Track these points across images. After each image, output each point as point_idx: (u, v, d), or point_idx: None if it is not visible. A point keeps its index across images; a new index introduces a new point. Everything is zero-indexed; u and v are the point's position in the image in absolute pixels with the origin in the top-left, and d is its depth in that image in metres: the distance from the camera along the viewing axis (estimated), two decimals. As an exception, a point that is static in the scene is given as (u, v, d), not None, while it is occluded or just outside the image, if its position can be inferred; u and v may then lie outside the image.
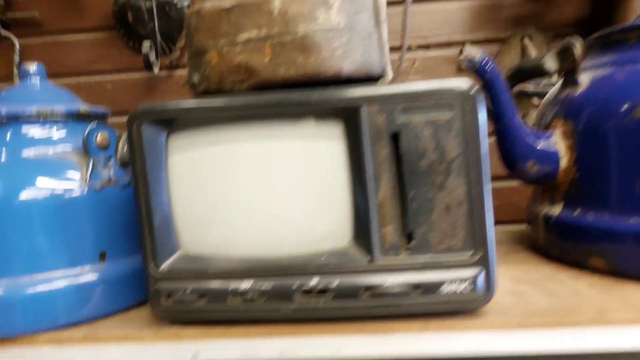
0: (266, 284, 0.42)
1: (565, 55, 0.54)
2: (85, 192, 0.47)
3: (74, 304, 0.45)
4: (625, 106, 0.49)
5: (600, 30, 0.56)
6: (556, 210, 0.56)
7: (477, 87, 0.40)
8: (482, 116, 0.40)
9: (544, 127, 0.58)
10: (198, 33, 0.43)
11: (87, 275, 0.46)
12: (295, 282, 0.42)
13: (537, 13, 0.89)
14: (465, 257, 0.41)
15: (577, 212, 0.54)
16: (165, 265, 0.44)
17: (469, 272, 0.41)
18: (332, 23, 0.42)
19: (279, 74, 0.41)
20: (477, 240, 0.41)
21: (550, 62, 0.56)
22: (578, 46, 0.53)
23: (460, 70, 0.55)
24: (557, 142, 0.55)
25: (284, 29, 0.41)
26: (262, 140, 0.43)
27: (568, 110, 0.54)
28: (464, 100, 0.40)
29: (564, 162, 0.55)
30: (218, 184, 0.43)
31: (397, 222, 0.41)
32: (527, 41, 0.84)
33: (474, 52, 0.51)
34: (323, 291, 0.42)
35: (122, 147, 0.51)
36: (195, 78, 0.44)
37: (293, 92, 0.41)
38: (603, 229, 0.51)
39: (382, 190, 0.41)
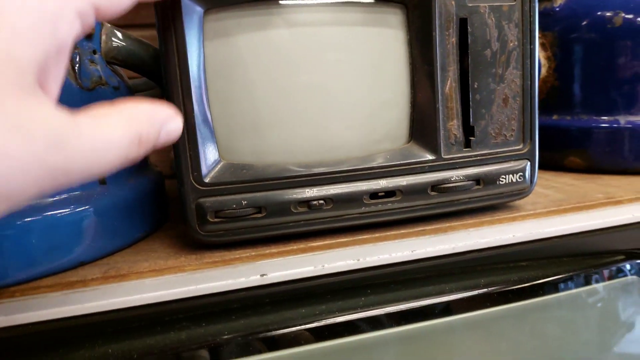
0: (333, 189, 0.39)
1: (543, -32, 0.58)
2: (76, 93, 0.37)
3: (73, 238, 0.36)
4: (606, 15, 0.55)
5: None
6: (533, 117, 0.61)
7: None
8: (537, 6, 0.41)
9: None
10: None
11: (86, 202, 0.37)
12: (362, 186, 0.39)
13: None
14: (518, 148, 0.42)
15: (554, 117, 0.59)
16: (211, 176, 0.37)
17: (520, 163, 0.43)
18: None
19: None
20: (526, 132, 0.42)
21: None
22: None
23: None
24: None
25: None
26: (318, 22, 0.38)
27: (546, 23, 0.59)
28: (525, -12, 0.40)
29: (542, 71, 0.59)
30: (267, 77, 0.38)
31: (461, 116, 0.41)
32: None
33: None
34: (391, 193, 0.40)
35: (108, 39, 0.41)
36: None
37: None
38: (580, 128, 0.57)
39: (449, 83, 0.40)
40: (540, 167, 0.61)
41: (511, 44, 0.41)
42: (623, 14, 0.54)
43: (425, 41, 0.39)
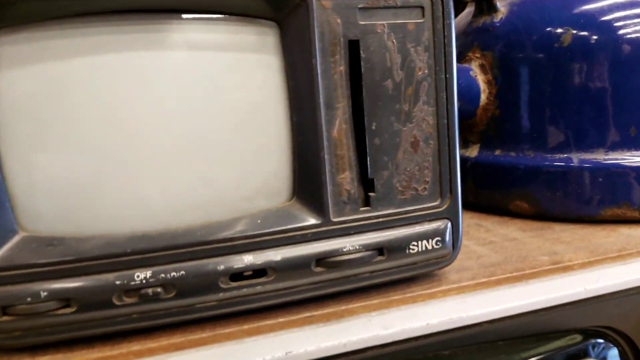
0: (175, 271, 0.29)
1: (480, -22, 0.49)
2: None
3: None
4: (553, 32, 0.46)
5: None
6: (473, 152, 0.52)
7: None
8: (453, 24, 0.32)
9: (457, 60, 0.53)
10: None
11: None
12: (220, 264, 0.29)
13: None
14: (434, 205, 0.33)
15: (497, 152, 0.51)
16: (-4, 258, 0.27)
17: (437, 224, 0.34)
18: None
19: None
20: (445, 184, 0.33)
21: (463, -15, 0.51)
22: (496, -34, 0.48)
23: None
24: (476, 77, 0.50)
25: None
26: (154, 45, 0.29)
27: (486, 40, 0.50)
28: (436, 1, 0.31)
29: (482, 98, 0.50)
30: (87, 116, 0.28)
31: (356, 166, 0.31)
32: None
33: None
34: (260, 272, 0.30)
35: None
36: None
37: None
38: (527, 167, 0.48)
39: (338, 124, 0.31)
40: (483, 210, 0.53)
41: (420, 73, 0.32)
42: (572, 31, 0.46)
43: (305, 70, 0.30)
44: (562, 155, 0.47)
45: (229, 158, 0.31)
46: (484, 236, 0.45)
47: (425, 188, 0.33)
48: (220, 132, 0.30)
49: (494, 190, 0.51)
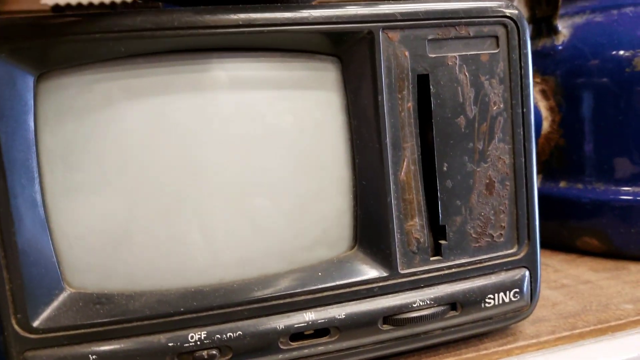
0: (231, 331, 0.26)
1: (539, 0, 0.47)
2: None
3: None
4: (623, 56, 0.43)
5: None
6: (535, 184, 0.49)
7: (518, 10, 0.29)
8: (530, 54, 0.30)
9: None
10: None
11: None
12: (279, 322, 0.27)
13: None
14: (511, 253, 0.30)
15: (562, 184, 0.47)
16: (43, 317, 0.25)
17: (514, 274, 0.31)
18: None
19: None
20: (522, 229, 0.31)
21: (521, 8, 0.48)
22: (557, -14, 0.46)
23: None
24: (536, 103, 0.47)
25: None
26: (207, 86, 0.27)
27: (547, 65, 0.47)
28: (512, 28, 0.29)
29: (545, 126, 0.47)
30: (138, 163, 0.26)
31: (425, 211, 0.29)
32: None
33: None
34: (323, 331, 0.28)
35: None
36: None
37: (259, 6, 0.26)
38: (596, 201, 0.45)
39: (405, 165, 0.28)
40: (547, 246, 0.49)
41: (495, 108, 0.29)
42: (646, 55, 0.42)
43: (369, 108, 0.28)
44: (635, 189, 0.44)
45: (286, 203, 0.28)
46: (554, 277, 0.42)
47: (501, 234, 0.30)
48: (277, 175, 0.28)
49: (559, 225, 0.48)
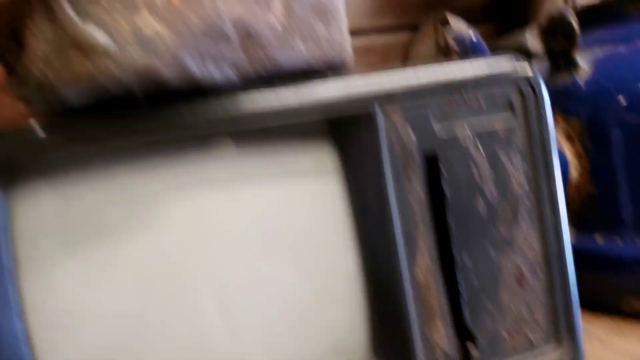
0: None
1: (555, 32, 0.45)
2: None
3: None
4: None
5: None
6: (567, 237, 0.46)
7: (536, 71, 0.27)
8: (552, 122, 0.27)
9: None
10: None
11: None
12: None
13: (444, -3, 0.83)
14: (550, 352, 0.28)
15: (597, 238, 0.44)
16: None
17: (556, 376, 0.28)
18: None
19: (296, 51, 0.24)
20: (561, 324, 0.28)
21: (533, 42, 0.46)
22: (574, 19, 0.44)
23: (443, 54, 0.43)
24: (561, 148, 0.45)
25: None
26: (199, 181, 0.25)
27: (569, 105, 0.45)
28: (529, 93, 0.26)
29: (573, 174, 0.45)
30: (122, 275, 0.24)
31: (448, 313, 0.26)
32: (442, 28, 0.76)
33: (463, 29, 0.39)
34: None
35: None
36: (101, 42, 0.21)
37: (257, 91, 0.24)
38: (638, 259, 0.42)
39: (420, 259, 0.26)
40: (585, 305, 0.46)
41: (517, 187, 0.27)
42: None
43: (375, 197, 0.25)
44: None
45: (290, 309, 0.26)
46: (602, 354, 0.38)
47: (538, 331, 0.27)
48: (280, 281, 0.26)
49: (598, 283, 0.45)
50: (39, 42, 0.20)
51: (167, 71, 0.20)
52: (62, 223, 0.23)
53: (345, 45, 0.25)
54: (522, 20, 0.74)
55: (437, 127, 0.26)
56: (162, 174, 0.24)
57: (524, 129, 0.27)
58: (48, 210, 0.23)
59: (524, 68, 0.26)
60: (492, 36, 0.77)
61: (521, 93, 0.27)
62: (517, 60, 0.27)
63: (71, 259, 0.24)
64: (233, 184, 0.25)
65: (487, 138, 0.26)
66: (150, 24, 0.20)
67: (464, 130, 0.26)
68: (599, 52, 0.45)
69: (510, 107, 0.27)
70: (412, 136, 0.26)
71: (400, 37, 0.79)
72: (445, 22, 0.77)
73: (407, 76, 0.25)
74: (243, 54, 0.22)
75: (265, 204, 0.26)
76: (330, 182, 0.26)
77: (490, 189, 0.26)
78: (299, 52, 0.24)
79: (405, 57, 0.81)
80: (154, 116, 0.23)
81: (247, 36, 0.22)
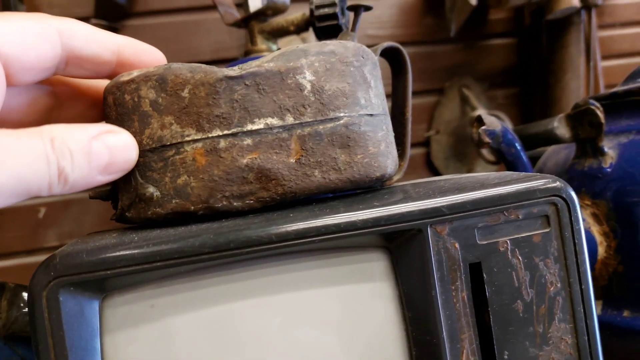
0: None
1: (582, 120, 0.49)
2: None
3: None
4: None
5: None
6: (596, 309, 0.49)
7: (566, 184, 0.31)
8: (583, 229, 0.31)
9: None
10: (160, 115, 0.28)
11: None
12: None
13: (469, 62, 0.88)
14: None
15: (626, 314, 0.47)
16: None
17: None
18: (374, 106, 0.30)
19: (313, 180, 0.28)
20: (593, 407, 0.31)
21: (562, 129, 0.50)
22: (599, 109, 0.47)
23: (477, 146, 0.47)
24: (589, 227, 0.48)
25: (321, 113, 0.28)
26: (254, 292, 0.29)
27: (596, 187, 0.49)
28: (562, 205, 0.30)
29: (600, 252, 0.48)
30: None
31: (491, 406, 0.29)
32: (466, 91, 0.81)
33: (494, 124, 0.43)
34: None
35: (7, 308, 0.32)
36: (153, 193, 0.28)
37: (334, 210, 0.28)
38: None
39: (465, 357, 0.29)
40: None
41: (552, 288, 0.30)
42: None
43: (423, 301, 0.29)
44: None
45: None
46: None
47: (572, 420, 0.31)
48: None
49: (627, 358, 0.47)
50: (124, 196, 0.29)
51: (194, 208, 0.29)
52: (149, 332, 0.28)
53: (376, 164, 0.30)
54: (544, 104, 0.78)
55: (479, 238, 0.30)
56: (240, 288, 0.29)
57: (558, 236, 0.31)
58: (137, 319, 0.28)
59: (557, 184, 0.30)
60: (521, 123, 0.82)
61: (555, 205, 0.31)
62: (552, 179, 0.31)
63: (152, 353, 0.28)
64: (303, 291, 0.29)
65: (524, 246, 0.30)
66: (184, 179, 0.28)
67: (504, 240, 0.30)
68: (624, 139, 0.49)
69: (546, 217, 0.30)
70: (457, 247, 0.30)
71: (427, 100, 0.85)
72: (468, 87, 0.82)
73: (453, 197, 0.29)
74: (262, 189, 0.29)
75: (323, 306, 0.29)
76: (383, 283, 0.30)
77: (527, 291, 0.30)
78: (315, 181, 0.29)
79: (430, 118, 0.86)
80: (234, 240, 0.27)
81: (264, 175, 0.29)
